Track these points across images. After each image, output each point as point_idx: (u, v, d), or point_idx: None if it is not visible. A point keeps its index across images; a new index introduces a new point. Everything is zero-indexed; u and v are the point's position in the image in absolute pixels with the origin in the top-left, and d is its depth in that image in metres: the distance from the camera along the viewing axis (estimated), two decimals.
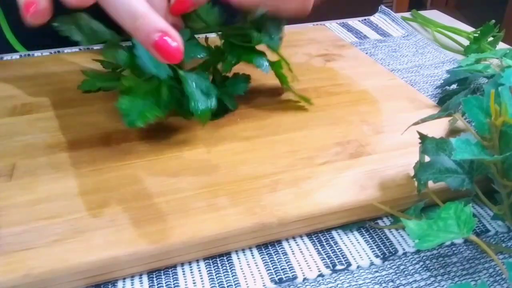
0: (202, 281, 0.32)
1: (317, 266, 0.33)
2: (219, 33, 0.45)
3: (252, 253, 0.34)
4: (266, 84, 0.51)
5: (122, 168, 0.38)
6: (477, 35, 0.60)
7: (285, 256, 0.33)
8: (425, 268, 0.33)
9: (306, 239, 0.35)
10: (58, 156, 0.39)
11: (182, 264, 0.33)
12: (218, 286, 0.31)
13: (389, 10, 0.74)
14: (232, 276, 0.32)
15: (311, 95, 0.49)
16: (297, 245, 0.34)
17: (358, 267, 0.33)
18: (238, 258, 0.33)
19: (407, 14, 0.74)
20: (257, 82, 0.52)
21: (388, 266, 0.33)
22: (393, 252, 0.34)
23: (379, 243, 0.35)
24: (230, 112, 0.45)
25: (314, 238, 0.35)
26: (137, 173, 0.38)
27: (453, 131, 0.43)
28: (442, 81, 0.53)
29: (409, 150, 0.40)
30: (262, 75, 0.53)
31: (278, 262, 0.33)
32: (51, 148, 0.40)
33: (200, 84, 0.41)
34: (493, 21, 0.59)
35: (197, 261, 0.33)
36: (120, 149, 0.40)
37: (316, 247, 0.34)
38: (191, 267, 0.33)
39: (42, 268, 0.30)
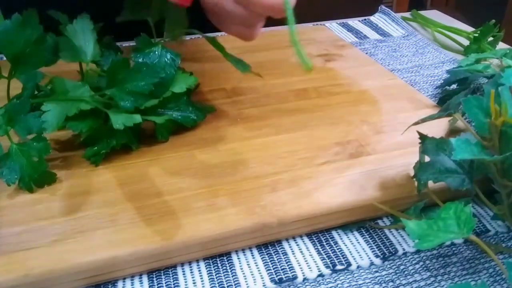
0: (202, 281, 0.32)
1: (317, 266, 0.33)
2: None
3: (252, 253, 0.34)
4: (266, 84, 0.51)
5: (122, 168, 0.38)
6: (477, 35, 0.60)
7: (285, 256, 0.33)
8: (425, 268, 0.33)
9: (306, 239, 0.35)
10: (58, 157, 0.39)
11: (182, 264, 0.33)
12: (218, 286, 0.31)
13: (389, 10, 0.74)
14: (232, 276, 0.32)
15: (311, 95, 0.50)
16: (297, 245, 0.34)
17: (358, 267, 0.33)
18: (238, 258, 0.33)
19: (407, 14, 0.74)
20: (257, 81, 0.52)
21: (388, 266, 0.33)
22: (393, 252, 0.34)
23: (379, 243, 0.35)
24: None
25: (314, 238, 0.35)
26: (138, 173, 0.38)
27: (453, 131, 0.43)
28: (442, 81, 0.53)
29: (409, 150, 0.40)
30: (263, 75, 0.53)
31: (278, 262, 0.33)
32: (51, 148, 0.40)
33: None
34: (493, 21, 0.59)
35: (197, 261, 0.33)
36: (120, 149, 0.40)
37: (316, 247, 0.34)
38: (191, 267, 0.33)
39: (42, 268, 0.30)
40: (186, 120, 0.42)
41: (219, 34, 0.65)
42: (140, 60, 0.40)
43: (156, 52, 0.41)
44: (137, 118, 0.38)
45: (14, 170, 0.36)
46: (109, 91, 0.38)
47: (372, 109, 0.47)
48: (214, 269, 0.33)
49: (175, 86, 0.41)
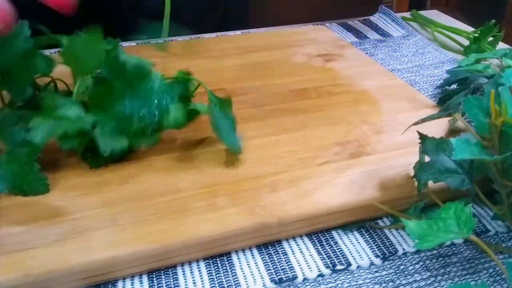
0: (202, 281, 0.32)
1: (317, 266, 0.33)
2: None
3: (252, 253, 0.34)
4: (266, 84, 0.51)
5: (122, 168, 0.38)
6: (477, 35, 0.60)
7: (285, 256, 0.33)
8: (425, 268, 0.33)
9: (306, 239, 0.35)
10: (58, 156, 0.39)
11: (182, 264, 0.33)
12: (218, 286, 0.31)
13: (389, 10, 0.74)
14: (232, 276, 0.32)
15: (311, 95, 0.49)
16: (297, 245, 0.34)
17: (358, 267, 0.33)
18: (238, 258, 0.33)
19: (407, 14, 0.74)
20: (257, 81, 0.52)
21: (388, 266, 0.33)
22: (393, 252, 0.34)
23: (379, 243, 0.35)
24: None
25: (314, 238, 0.35)
26: (137, 173, 0.38)
27: (453, 131, 0.43)
28: (442, 81, 0.53)
29: (409, 150, 0.40)
30: (262, 75, 0.53)
31: (278, 262, 0.33)
32: (50, 148, 0.40)
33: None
34: (493, 21, 0.59)
35: (197, 261, 0.33)
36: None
37: (316, 247, 0.34)
38: (191, 267, 0.33)
39: (42, 268, 0.30)
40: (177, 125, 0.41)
41: (219, 34, 0.66)
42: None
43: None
44: (124, 142, 0.38)
45: (5, 179, 0.36)
46: (93, 115, 0.38)
47: (372, 109, 0.47)
48: (214, 269, 0.33)
49: (168, 120, 0.40)
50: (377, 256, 0.34)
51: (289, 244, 0.34)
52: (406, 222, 0.30)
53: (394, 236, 0.35)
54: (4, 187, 0.35)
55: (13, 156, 0.36)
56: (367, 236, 0.35)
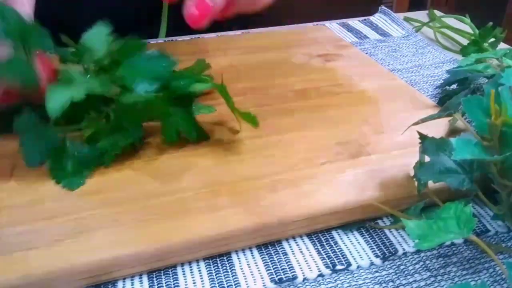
0: (202, 281, 0.32)
1: (317, 266, 0.33)
2: None
3: (252, 253, 0.34)
4: (266, 84, 0.51)
5: (122, 168, 0.38)
6: (475, 38, 0.60)
7: (285, 256, 0.33)
8: (425, 268, 0.33)
9: (306, 239, 0.35)
10: None
11: (182, 264, 0.33)
12: (218, 286, 0.31)
13: (389, 10, 0.74)
14: (232, 276, 0.32)
15: (311, 95, 0.50)
16: (297, 245, 0.34)
17: (358, 267, 0.33)
18: (238, 258, 0.33)
19: (409, 14, 0.74)
20: (257, 81, 0.52)
21: (388, 266, 0.33)
22: (393, 252, 0.34)
23: (379, 243, 0.35)
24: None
25: (314, 238, 0.35)
26: (137, 173, 0.38)
27: (453, 131, 0.43)
28: (442, 81, 0.53)
29: (409, 150, 0.40)
30: (262, 75, 0.53)
31: (278, 262, 0.33)
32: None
33: None
34: (491, 23, 0.59)
35: (197, 261, 0.33)
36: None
37: (316, 247, 0.34)
38: (191, 267, 0.33)
39: (42, 268, 0.30)
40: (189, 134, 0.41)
41: (219, 34, 0.66)
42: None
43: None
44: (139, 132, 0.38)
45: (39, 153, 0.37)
46: (121, 72, 0.36)
47: (372, 109, 0.47)
48: (214, 269, 0.33)
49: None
50: (377, 256, 0.34)
51: (289, 244, 0.34)
52: (406, 222, 0.30)
53: (394, 236, 0.35)
54: (36, 162, 0.36)
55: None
56: (367, 236, 0.35)
